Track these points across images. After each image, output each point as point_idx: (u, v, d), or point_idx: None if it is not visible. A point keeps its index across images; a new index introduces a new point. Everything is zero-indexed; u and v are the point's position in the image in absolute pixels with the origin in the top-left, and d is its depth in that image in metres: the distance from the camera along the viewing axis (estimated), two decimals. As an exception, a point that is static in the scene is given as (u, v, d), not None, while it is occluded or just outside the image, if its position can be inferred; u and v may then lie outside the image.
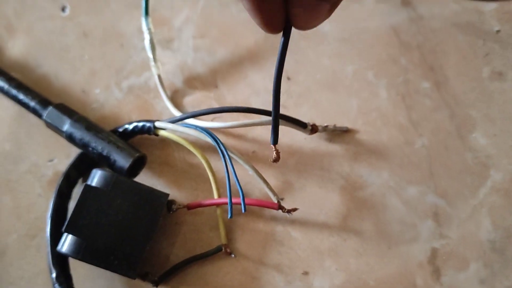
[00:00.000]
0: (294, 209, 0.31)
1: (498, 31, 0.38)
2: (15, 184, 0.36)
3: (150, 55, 0.37)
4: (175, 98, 0.38)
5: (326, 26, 0.39)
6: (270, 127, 0.35)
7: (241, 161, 0.32)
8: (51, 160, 0.37)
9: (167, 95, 0.37)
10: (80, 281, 0.33)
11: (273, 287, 0.32)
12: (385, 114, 0.36)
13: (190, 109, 0.38)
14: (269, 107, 0.31)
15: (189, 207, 0.33)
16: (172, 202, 0.33)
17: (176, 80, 0.39)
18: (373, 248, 0.33)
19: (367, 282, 0.32)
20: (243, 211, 0.30)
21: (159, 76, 0.38)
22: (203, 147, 0.34)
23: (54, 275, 0.31)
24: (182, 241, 0.34)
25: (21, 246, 0.34)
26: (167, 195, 0.32)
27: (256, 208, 0.34)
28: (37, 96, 0.36)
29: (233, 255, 0.33)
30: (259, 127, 0.36)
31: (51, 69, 0.40)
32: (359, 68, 0.38)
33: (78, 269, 0.33)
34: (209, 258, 0.33)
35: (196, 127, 0.32)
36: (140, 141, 0.36)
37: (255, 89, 0.38)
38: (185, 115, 0.34)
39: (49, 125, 0.35)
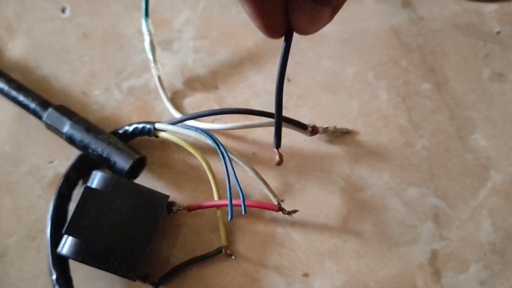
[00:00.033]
0: (294, 211, 0.31)
1: (498, 32, 0.38)
2: (15, 185, 0.36)
3: (150, 57, 0.37)
4: (175, 100, 0.38)
5: (327, 27, 0.38)
6: (270, 128, 0.36)
7: (241, 163, 0.32)
8: (51, 162, 0.37)
9: (167, 97, 0.37)
10: (80, 283, 0.33)
11: (273, 289, 0.32)
12: (385, 116, 0.36)
13: (190, 111, 0.38)
14: (270, 109, 0.31)
15: (189, 208, 0.33)
16: (172, 203, 0.33)
17: (176, 82, 0.39)
18: (373, 249, 0.33)
19: (367, 284, 0.32)
20: (243, 212, 0.30)
21: (159, 78, 0.38)
22: (203, 149, 0.34)
23: (54, 277, 0.31)
24: (182, 242, 0.34)
25: (21, 248, 0.34)
26: (167, 196, 0.32)
27: (256, 209, 0.34)
28: (37, 97, 0.36)
29: (233, 257, 0.33)
30: (259, 129, 0.36)
31: (51, 70, 0.40)
32: (359, 70, 0.38)
33: (78, 271, 0.33)
34: (209, 260, 0.33)
35: (196, 129, 0.32)
36: (140, 143, 0.36)
37: (255, 91, 0.38)
38: (185, 117, 0.34)
39: (49, 127, 0.35)
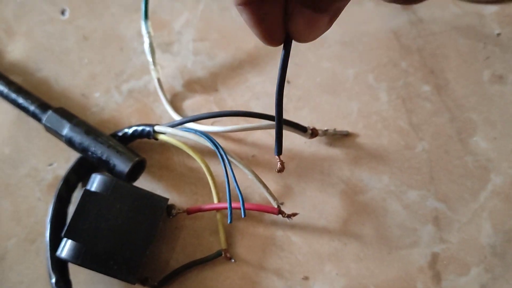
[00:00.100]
0: (294, 214, 0.31)
1: (498, 34, 0.38)
2: (14, 188, 0.36)
3: (150, 59, 0.37)
4: (175, 102, 0.38)
5: (326, 29, 0.39)
6: (270, 131, 0.36)
7: (240, 166, 0.31)
8: (50, 164, 0.37)
9: (166, 99, 0.37)
10: (80, 287, 0.33)
11: (273, 292, 0.32)
12: (385, 118, 0.36)
13: (190, 113, 0.38)
14: (269, 111, 0.31)
15: (189, 211, 0.33)
16: (171, 206, 0.33)
17: (176, 84, 0.39)
18: (373, 252, 0.33)
19: (367, 287, 0.32)
20: (242, 215, 0.29)
21: (158, 80, 0.37)
22: (203, 151, 0.34)
23: (53, 280, 0.31)
24: (182, 245, 0.34)
25: (21, 251, 0.34)
26: (167, 199, 0.32)
27: (256, 212, 0.34)
28: (37, 100, 0.36)
29: (233, 260, 0.33)
30: (259, 131, 0.36)
31: (51, 72, 0.40)
32: (359, 71, 0.38)
33: (78, 274, 0.32)
34: (209, 263, 0.33)
35: (195, 131, 0.32)
36: (139, 145, 0.36)
37: (255, 93, 0.38)
38: (184, 119, 0.34)
39: (49, 129, 0.35)
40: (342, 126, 0.36)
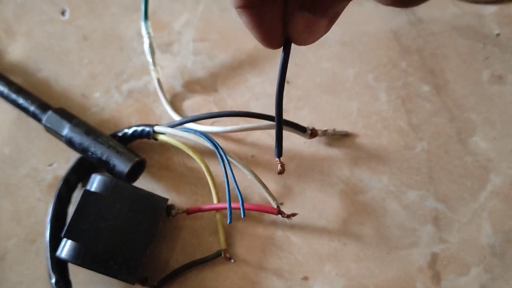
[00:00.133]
0: (294, 214, 0.31)
1: (498, 35, 0.38)
2: (14, 188, 0.36)
3: (150, 59, 0.37)
4: (175, 102, 0.38)
5: (326, 29, 0.39)
6: (269, 131, 0.36)
7: (240, 166, 0.32)
8: (50, 165, 0.37)
9: (166, 99, 0.37)
10: (80, 287, 0.33)
11: (273, 292, 0.32)
12: (385, 118, 0.36)
13: (190, 113, 0.38)
14: (269, 111, 0.31)
15: (189, 211, 0.33)
16: (171, 206, 0.33)
17: (176, 84, 0.39)
18: (373, 252, 0.33)
19: (367, 287, 0.32)
20: (242, 216, 0.29)
21: (158, 80, 0.37)
22: (202, 152, 0.34)
23: (53, 280, 0.31)
24: (182, 245, 0.34)
25: (21, 251, 0.34)
26: (167, 199, 0.32)
27: (255, 213, 0.34)
28: (37, 100, 0.36)
29: (232, 260, 0.33)
30: (258, 131, 0.36)
31: (51, 72, 0.40)
32: (359, 72, 0.38)
33: (78, 274, 0.33)
34: (208, 263, 0.33)
35: (195, 132, 0.32)
36: (139, 146, 0.36)
37: (254, 93, 0.38)
38: (184, 120, 0.34)
39: (49, 130, 0.35)
40: (342, 126, 0.36)
